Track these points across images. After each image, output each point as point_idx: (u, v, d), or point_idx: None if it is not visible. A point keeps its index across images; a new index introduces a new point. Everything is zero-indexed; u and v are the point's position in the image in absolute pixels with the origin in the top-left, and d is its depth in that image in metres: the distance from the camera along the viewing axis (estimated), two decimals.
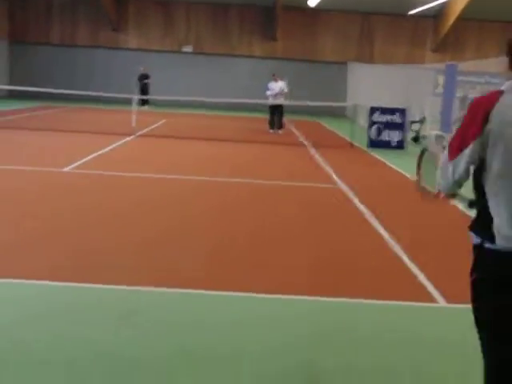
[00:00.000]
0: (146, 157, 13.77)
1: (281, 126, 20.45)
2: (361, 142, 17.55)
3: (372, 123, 17.22)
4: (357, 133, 17.88)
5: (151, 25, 32.49)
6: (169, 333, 4.52)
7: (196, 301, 5.22)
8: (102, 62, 32.33)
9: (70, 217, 7.83)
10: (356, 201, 9.72)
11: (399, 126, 17.17)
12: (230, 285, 5.61)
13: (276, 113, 20.41)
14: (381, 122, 17.14)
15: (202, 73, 32.44)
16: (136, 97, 18.54)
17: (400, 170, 13.41)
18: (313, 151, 16.08)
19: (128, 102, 19.74)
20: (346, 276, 6.10)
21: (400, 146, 17.08)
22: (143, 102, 27.70)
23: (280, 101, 20.24)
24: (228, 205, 9.16)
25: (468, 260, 2.87)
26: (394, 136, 17.14)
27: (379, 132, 17.17)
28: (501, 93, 2.84)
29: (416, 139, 18.85)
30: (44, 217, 7.75)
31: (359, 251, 7.01)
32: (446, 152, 2.92)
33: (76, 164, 11.82)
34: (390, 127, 17.14)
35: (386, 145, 16.92)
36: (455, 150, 2.87)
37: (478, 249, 2.89)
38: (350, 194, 10.24)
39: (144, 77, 29.07)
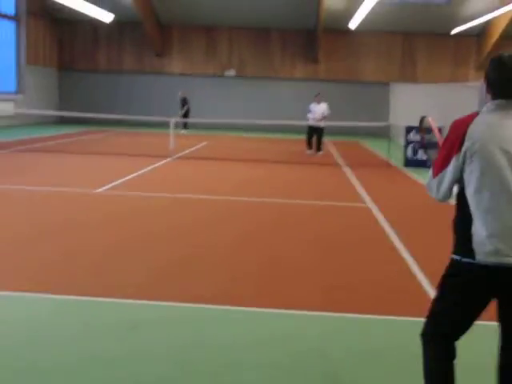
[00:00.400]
0: (179, 178, 13.96)
1: (320, 149, 20.18)
2: (398, 162, 17.45)
3: (408, 142, 17.10)
4: (396, 152, 17.81)
5: (194, 50, 33.03)
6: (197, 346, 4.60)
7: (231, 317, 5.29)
8: (146, 87, 32.94)
9: (93, 236, 8.01)
10: (382, 220, 9.66)
11: (436, 145, 16.92)
12: (272, 302, 5.66)
13: (315, 135, 20.07)
14: (416, 141, 17.00)
15: (244, 96, 32.75)
16: (173, 120, 18.77)
17: None
18: (348, 171, 16.05)
19: (168, 125, 20.15)
20: (362, 300, 6.08)
21: None
22: (184, 126, 28.14)
23: (320, 123, 19.91)
24: (255, 226, 9.21)
25: None
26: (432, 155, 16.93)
27: (415, 151, 17.04)
28: (477, 114, 3.12)
29: None
30: (66, 235, 7.96)
31: (378, 272, 6.97)
32: (430, 171, 3.24)
33: (107, 186, 12.07)
34: (427, 147, 16.93)
35: (421, 164, 16.75)
36: (438, 168, 3.18)
37: (454, 262, 3.15)
38: (378, 214, 10.19)
39: (183, 101, 29.43)
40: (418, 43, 32.16)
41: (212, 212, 10.04)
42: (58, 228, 8.40)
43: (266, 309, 5.50)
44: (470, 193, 3.07)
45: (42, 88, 31.75)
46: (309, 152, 20.09)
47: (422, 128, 3.90)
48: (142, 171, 14.54)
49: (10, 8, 29.74)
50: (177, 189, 12.17)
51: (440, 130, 16.91)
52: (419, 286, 6.31)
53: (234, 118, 28.40)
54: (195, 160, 17.48)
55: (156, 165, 15.85)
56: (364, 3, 24.67)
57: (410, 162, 16.91)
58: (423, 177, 15.01)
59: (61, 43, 33.38)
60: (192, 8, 30.78)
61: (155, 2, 30.83)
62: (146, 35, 31.94)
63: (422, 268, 6.89)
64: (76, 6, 27.08)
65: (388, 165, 17.24)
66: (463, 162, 3.08)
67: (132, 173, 14.04)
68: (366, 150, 23.22)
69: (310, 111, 20.12)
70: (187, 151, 19.36)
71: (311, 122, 19.95)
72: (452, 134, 3.14)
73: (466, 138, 3.05)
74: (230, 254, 7.37)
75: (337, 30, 31.31)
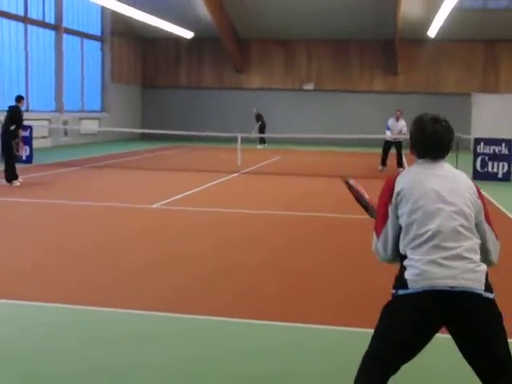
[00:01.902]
0: (236, 194, 14.13)
1: (402, 164, 19.15)
2: (467, 175, 16.94)
3: (477, 154, 16.62)
4: (466, 165, 17.24)
5: (273, 64, 33.31)
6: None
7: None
8: (225, 102, 33.44)
9: (138, 249, 8.26)
10: None
11: (506, 158, 16.43)
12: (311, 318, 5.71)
13: (392, 148, 19.35)
14: (485, 154, 16.50)
15: (323, 109, 32.69)
16: (239, 135, 19.02)
17: (497, 204, 12.80)
18: None
19: (245, 141, 20.53)
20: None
21: (506, 178, 16.33)
22: (260, 141, 28.37)
23: (398, 137, 19.25)
24: (300, 238, 9.25)
25: None
26: (499, 168, 16.42)
27: (484, 164, 16.53)
28: (406, 173, 3.33)
29: None
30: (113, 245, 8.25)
31: None
32: (374, 236, 3.33)
33: (165, 201, 12.35)
34: (495, 159, 16.46)
35: (491, 177, 16.23)
36: (379, 227, 3.30)
37: (392, 297, 3.21)
38: None
39: (257, 117, 29.59)
40: (501, 51, 31.17)
41: (253, 228, 10.13)
42: (97, 244, 8.69)
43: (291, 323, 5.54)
44: (403, 235, 3.19)
45: (125, 105, 32.86)
46: (380, 168, 19.30)
47: (351, 188, 3.97)
48: (205, 186, 14.80)
49: (96, 29, 31.02)
50: (230, 204, 12.32)
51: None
52: None
53: (311, 133, 28.41)
54: (260, 175, 17.62)
55: (220, 180, 16.08)
56: (441, 9, 24.16)
57: (479, 175, 16.40)
58: (491, 191, 14.54)
59: (144, 61, 34.48)
60: (270, 22, 31.08)
61: (234, 17, 31.35)
62: (225, 51, 32.51)
63: None
64: (158, 24, 27.96)
65: None
66: (396, 209, 3.21)
67: (193, 188, 14.31)
68: None
69: (388, 128, 19.47)
70: (255, 166, 19.52)
71: (388, 138, 19.31)
72: (383, 190, 3.31)
73: (395, 187, 3.22)
74: (256, 270, 7.43)
75: (415, 39, 30.78)
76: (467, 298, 3.01)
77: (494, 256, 3.26)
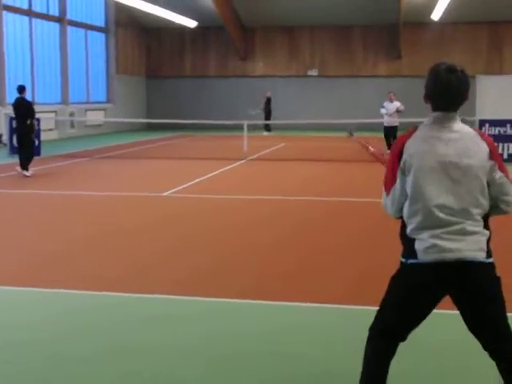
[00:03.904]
0: (243, 180, 14.29)
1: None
2: None
3: None
4: None
5: (277, 51, 33.34)
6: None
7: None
8: (230, 90, 33.52)
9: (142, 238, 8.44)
10: None
11: (511, 139, 16.52)
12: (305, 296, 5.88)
13: (391, 134, 19.57)
14: (491, 135, 16.57)
15: (327, 95, 32.72)
16: (246, 122, 19.15)
17: None
18: None
19: (251, 128, 20.64)
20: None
21: None
22: (265, 128, 28.48)
23: (395, 121, 19.52)
24: (308, 221, 9.41)
25: None
26: (505, 149, 16.51)
27: None
28: (415, 129, 3.31)
29: None
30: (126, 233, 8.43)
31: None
32: (383, 189, 3.41)
33: (174, 189, 12.52)
34: (501, 140, 16.53)
35: None
36: (388, 185, 3.36)
37: (401, 264, 3.33)
38: None
39: (268, 102, 29.75)
40: (505, 32, 31.10)
41: (261, 213, 10.29)
42: (111, 231, 8.87)
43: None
44: (408, 202, 3.27)
45: (130, 96, 32.97)
46: (388, 152, 19.44)
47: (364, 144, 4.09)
48: (213, 174, 14.96)
49: (100, 20, 31.09)
50: (238, 190, 12.50)
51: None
52: None
53: (316, 119, 28.45)
54: (266, 162, 17.77)
55: (227, 167, 16.22)
56: None
57: None
58: None
59: (148, 51, 34.56)
60: (273, 9, 31.08)
61: (237, 5, 31.37)
62: (229, 39, 32.54)
63: None
64: (162, 14, 28.02)
65: None
66: (403, 175, 3.26)
67: (201, 176, 14.47)
68: None
69: (383, 106, 19.85)
70: (261, 153, 19.66)
71: (386, 121, 19.60)
72: (392, 152, 3.33)
73: (404, 153, 3.24)
74: (268, 253, 7.59)
75: (419, 22, 30.74)
76: (472, 267, 3.17)
77: None
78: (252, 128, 22.39)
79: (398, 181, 3.28)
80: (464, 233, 3.16)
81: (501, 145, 16.63)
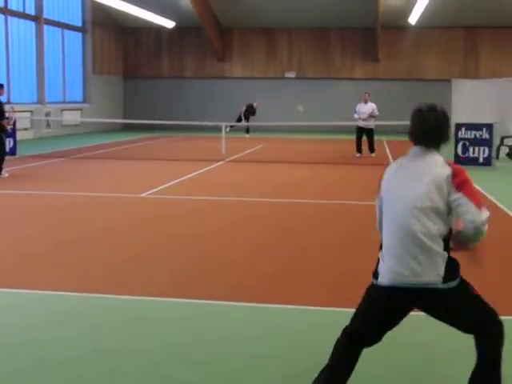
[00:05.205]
0: (221, 182, 14.25)
1: (373, 150, 19.33)
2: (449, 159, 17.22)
3: (458, 140, 16.86)
4: (448, 150, 17.52)
5: (254, 52, 33.38)
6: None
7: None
8: (208, 92, 33.48)
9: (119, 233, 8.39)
10: None
11: (486, 142, 16.70)
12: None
13: (362, 136, 19.31)
14: (466, 139, 16.76)
15: (305, 97, 32.78)
16: (224, 124, 19.14)
17: (479, 189, 13.04)
18: None
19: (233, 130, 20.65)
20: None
21: (487, 162, 16.61)
22: (247, 130, 28.49)
23: (370, 123, 19.29)
24: (288, 224, 9.42)
25: None
26: (480, 152, 16.69)
27: (465, 148, 16.78)
28: (395, 162, 3.65)
29: (510, 155, 18.28)
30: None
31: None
32: None
33: (151, 191, 12.46)
34: (476, 144, 16.71)
35: (472, 162, 16.49)
36: (376, 207, 3.66)
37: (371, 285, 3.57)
38: None
39: (252, 108, 29.51)
40: (481, 37, 31.45)
41: (241, 215, 10.28)
42: (88, 233, 8.80)
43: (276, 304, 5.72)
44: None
45: (107, 96, 32.79)
46: (358, 155, 19.24)
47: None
48: (191, 175, 14.93)
49: (77, 19, 30.88)
50: (217, 192, 12.45)
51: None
52: None
53: (293, 121, 28.55)
54: (244, 163, 17.78)
55: (206, 169, 16.21)
56: None
57: (460, 160, 16.64)
58: (471, 174, 14.74)
59: (125, 51, 34.39)
60: (251, 11, 31.12)
61: (215, 6, 31.35)
62: (207, 40, 32.50)
63: None
64: (139, 14, 27.91)
65: None
66: (380, 198, 3.58)
67: (179, 177, 14.43)
68: None
69: (355, 111, 19.39)
70: (239, 155, 19.66)
71: (360, 123, 19.28)
72: (379, 177, 3.63)
73: (382, 182, 3.56)
74: (247, 255, 7.59)
75: (396, 26, 30.94)
76: (429, 293, 3.32)
77: (477, 224, 3.28)
78: (233, 130, 22.44)
79: (377, 205, 3.60)
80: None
81: (476, 148, 16.81)
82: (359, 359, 3.58)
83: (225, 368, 4.49)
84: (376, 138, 19.88)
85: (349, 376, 3.52)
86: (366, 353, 3.63)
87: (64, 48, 29.77)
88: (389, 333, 3.57)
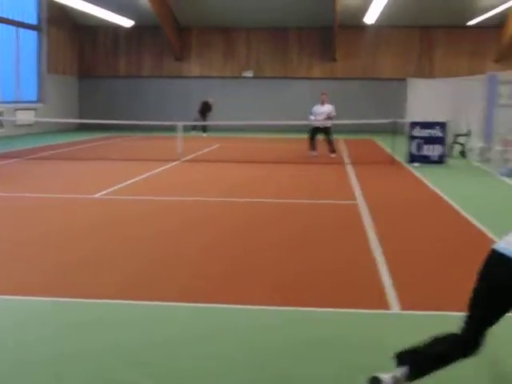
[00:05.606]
0: (177, 181, 14.19)
1: (334, 150, 19.00)
2: (405, 158, 17.45)
3: (412, 138, 17.08)
4: (403, 149, 17.74)
5: (212, 52, 33.31)
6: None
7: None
8: (165, 91, 33.32)
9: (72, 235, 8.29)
10: (367, 218, 9.72)
11: (440, 141, 16.95)
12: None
13: (320, 136, 19.11)
14: (421, 137, 16.99)
15: (263, 96, 32.89)
16: (180, 123, 19.04)
17: (431, 186, 13.26)
18: (350, 169, 16.12)
19: (187, 129, 20.46)
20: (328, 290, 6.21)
21: (440, 160, 16.86)
22: (203, 129, 28.46)
23: (327, 123, 19.02)
24: (243, 223, 9.41)
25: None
26: (434, 150, 16.93)
27: (419, 147, 17.00)
28: None
29: (463, 153, 18.57)
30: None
31: (340, 268, 7.07)
32: None
33: (106, 191, 12.34)
34: (430, 142, 16.95)
35: (426, 159, 16.72)
36: None
37: None
38: (365, 212, 10.25)
39: (207, 105, 29.60)
40: (436, 37, 31.92)
41: (195, 214, 10.24)
42: (38, 235, 8.67)
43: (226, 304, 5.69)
44: None
45: (62, 96, 32.35)
46: (313, 153, 18.96)
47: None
48: (146, 175, 14.82)
49: (32, 17, 30.38)
50: (172, 192, 12.40)
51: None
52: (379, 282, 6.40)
53: (250, 120, 28.55)
54: (200, 163, 17.73)
55: (161, 168, 16.11)
56: None
57: (415, 158, 16.90)
58: (425, 173, 15.04)
59: (81, 50, 33.98)
60: (209, 10, 31.05)
61: (173, 5, 31.19)
62: (165, 39, 32.31)
63: (389, 263, 6.97)
64: (96, 13, 27.57)
65: (392, 161, 17.25)
66: None
67: (135, 177, 14.32)
68: (376, 148, 23.18)
69: (311, 113, 19.16)
70: (195, 154, 19.60)
71: (316, 123, 19.02)
72: None
73: None
74: (199, 255, 7.56)
75: (354, 25, 31.19)
76: None
77: None
78: (186, 129, 22.32)
79: None
80: None
81: (430, 147, 17.04)
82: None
83: (173, 369, 4.46)
84: (333, 137, 19.90)
85: None
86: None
87: (18, 46, 29.28)
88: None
